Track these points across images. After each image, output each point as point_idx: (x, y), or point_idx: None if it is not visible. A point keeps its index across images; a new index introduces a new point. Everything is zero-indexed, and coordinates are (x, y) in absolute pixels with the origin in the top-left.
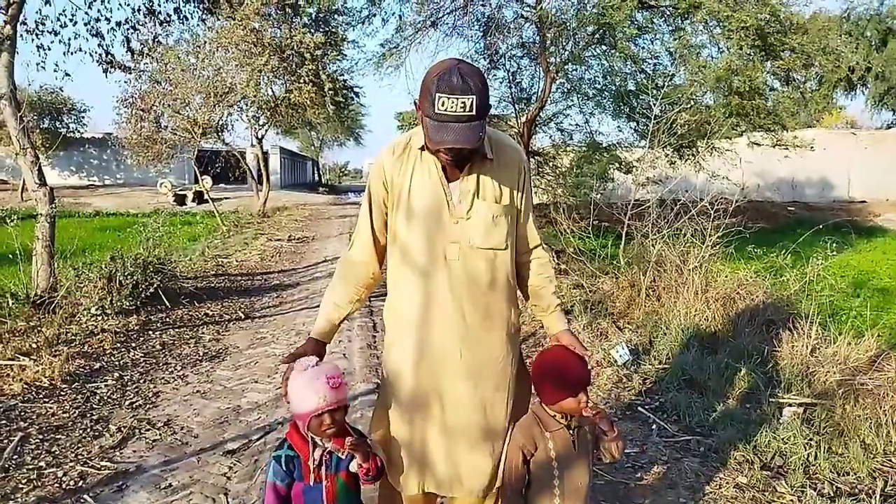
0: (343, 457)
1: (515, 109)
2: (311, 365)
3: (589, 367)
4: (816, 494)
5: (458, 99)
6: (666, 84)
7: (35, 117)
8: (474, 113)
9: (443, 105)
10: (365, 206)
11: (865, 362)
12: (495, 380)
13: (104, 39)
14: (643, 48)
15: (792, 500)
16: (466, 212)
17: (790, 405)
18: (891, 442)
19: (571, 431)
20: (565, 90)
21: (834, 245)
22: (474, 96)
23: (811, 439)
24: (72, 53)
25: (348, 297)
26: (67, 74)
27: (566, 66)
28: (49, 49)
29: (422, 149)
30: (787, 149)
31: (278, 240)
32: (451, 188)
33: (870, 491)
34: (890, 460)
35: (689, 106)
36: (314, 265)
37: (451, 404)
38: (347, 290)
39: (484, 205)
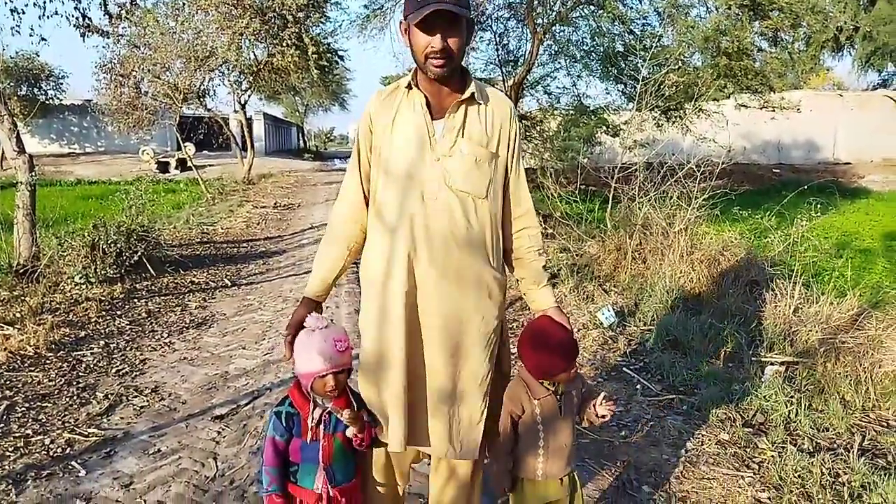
0: (342, 419)
1: (503, 72)
2: (321, 327)
3: (575, 341)
4: (796, 450)
5: None
6: (654, 45)
7: (12, 84)
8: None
9: None
10: (353, 155)
11: (847, 321)
12: (466, 342)
13: (81, 2)
14: (631, 8)
15: (773, 456)
16: (449, 148)
17: (772, 364)
18: (869, 398)
19: (559, 397)
20: (553, 52)
21: (818, 206)
22: None
23: (792, 397)
24: (48, 17)
25: (341, 253)
26: (44, 39)
27: (553, 28)
28: (24, 13)
29: (409, 87)
30: (774, 110)
31: (263, 207)
32: (435, 125)
33: (848, 446)
34: (868, 416)
35: (676, 67)
36: (300, 232)
37: (414, 368)
38: (339, 246)
39: (468, 144)
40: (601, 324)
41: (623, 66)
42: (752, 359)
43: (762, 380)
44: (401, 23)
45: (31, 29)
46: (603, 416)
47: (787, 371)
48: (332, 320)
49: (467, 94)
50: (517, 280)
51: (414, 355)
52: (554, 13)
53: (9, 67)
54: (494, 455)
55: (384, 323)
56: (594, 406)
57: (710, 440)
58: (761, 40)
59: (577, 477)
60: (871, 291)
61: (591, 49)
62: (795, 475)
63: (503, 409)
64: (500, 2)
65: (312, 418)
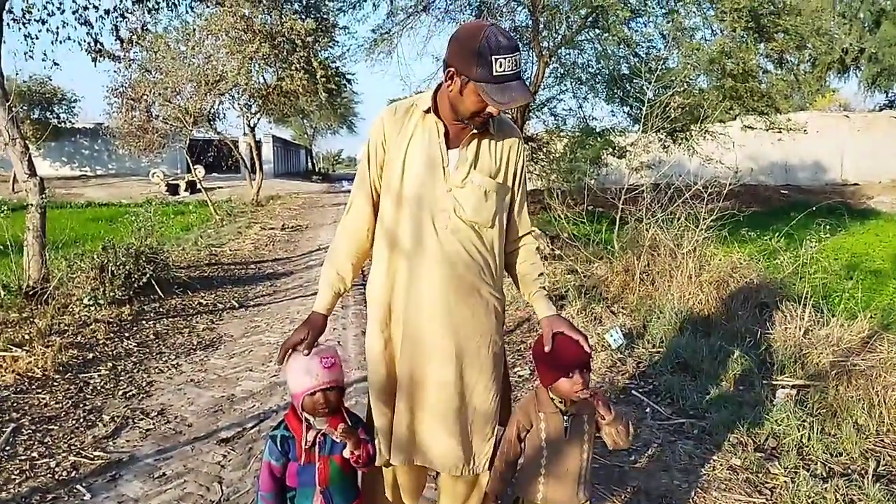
0: (337, 440)
1: None
2: (302, 352)
3: (587, 350)
4: (809, 475)
5: (512, 57)
6: (659, 67)
7: (25, 108)
8: (520, 69)
9: (500, 66)
10: (363, 166)
11: (858, 343)
12: (474, 361)
13: (93, 28)
14: (636, 31)
15: (785, 482)
16: (461, 180)
17: (783, 387)
18: (883, 422)
19: (566, 418)
20: (558, 75)
21: (827, 228)
22: (518, 53)
23: (804, 421)
24: (60, 42)
25: (350, 264)
26: (56, 64)
27: (559, 51)
28: (37, 38)
29: (426, 111)
30: (780, 132)
31: (272, 228)
32: (449, 155)
33: (862, 471)
34: (882, 440)
35: (682, 89)
36: (308, 253)
37: (422, 385)
38: (348, 258)
39: (479, 176)
40: (609, 346)
41: (628, 88)
42: (763, 382)
43: (773, 403)
44: (452, 68)
45: (45, 54)
46: (611, 421)
47: (799, 394)
48: (338, 342)
49: (483, 127)
50: (523, 294)
51: (422, 374)
52: (560, 36)
53: (22, 91)
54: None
55: (391, 343)
56: (597, 412)
57: (721, 465)
58: (767, 62)
59: None
60: (883, 313)
61: (597, 71)
62: (809, 501)
63: (512, 419)
64: (507, 25)
65: (306, 440)
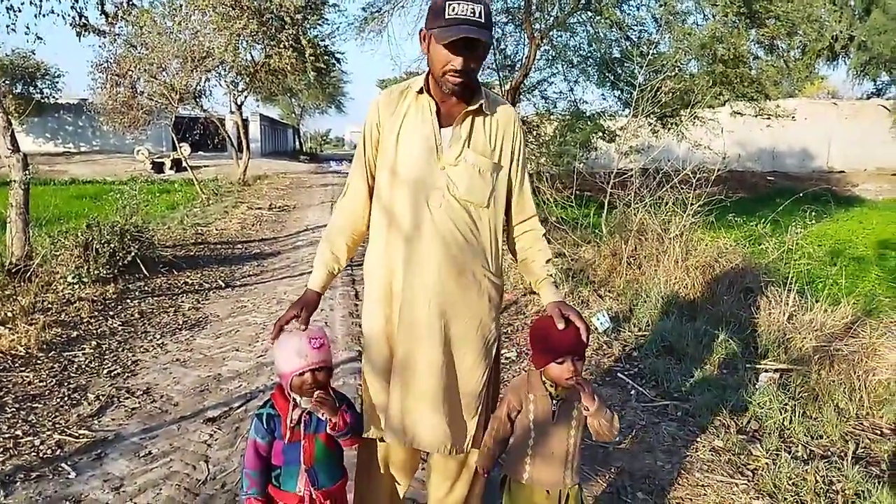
0: (321, 417)
1: (500, 76)
2: (297, 328)
3: (584, 340)
4: (790, 457)
5: (468, 4)
6: (651, 51)
7: (7, 82)
8: (483, 20)
9: (453, 10)
10: (359, 149)
11: (841, 329)
12: (463, 342)
13: (77, 1)
14: (629, 14)
15: (767, 463)
16: (455, 158)
17: (766, 371)
18: (863, 406)
19: (555, 402)
20: (550, 57)
21: (812, 214)
22: (482, 6)
23: (786, 404)
24: (44, 15)
25: (345, 243)
26: (39, 38)
27: (551, 33)
28: (20, 10)
29: (419, 91)
30: (769, 118)
31: (259, 208)
32: (442, 133)
33: (842, 454)
34: (862, 424)
35: (673, 74)
36: (295, 234)
37: (413, 364)
38: (343, 237)
39: (472, 154)
40: (596, 329)
41: (620, 72)
42: (747, 365)
43: (756, 387)
44: (422, 30)
45: (27, 27)
46: (592, 411)
47: (782, 378)
48: (325, 323)
49: (475, 104)
50: (529, 281)
51: (414, 353)
52: (552, 18)
53: (4, 65)
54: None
55: (386, 322)
56: (582, 401)
57: (704, 447)
58: (757, 48)
59: (580, 498)
60: (865, 299)
61: (588, 55)
62: (789, 483)
63: (503, 400)
64: (498, 6)
65: (291, 419)
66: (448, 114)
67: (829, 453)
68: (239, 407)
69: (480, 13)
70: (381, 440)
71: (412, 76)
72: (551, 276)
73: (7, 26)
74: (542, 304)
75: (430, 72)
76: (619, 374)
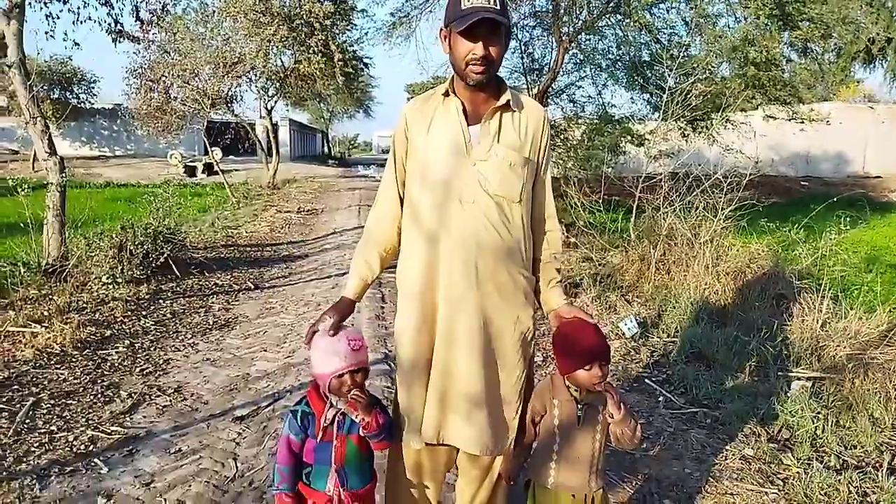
0: (355, 418)
1: (527, 80)
2: (336, 331)
3: (607, 342)
4: (823, 467)
5: None
6: (681, 55)
7: (45, 87)
8: (498, 7)
9: (469, 1)
10: (390, 159)
11: (876, 337)
12: (502, 341)
13: (113, 8)
14: (658, 17)
15: (798, 473)
16: (485, 153)
17: (799, 379)
18: None
19: (580, 406)
20: (578, 61)
21: (847, 220)
22: None
23: (819, 413)
24: (81, 22)
25: (378, 254)
26: (76, 44)
27: (579, 36)
28: (58, 18)
29: (445, 94)
30: (802, 122)
31: (287, 211)
32: (470, 131)
33: (877, 464)
34: None
35: (703, 77)
36: (323, 237)
37: (452, 366)
38: (377, 248)
39: (503, 149)
40: (623, 334)
41: (649, 75)
42: (779, 373)
43: (788, 395)
44: (441, 30)
45: (65, 34)
46: (618, 420)
47: (814, 386)
48: (352, 324)
49: (503, 100)
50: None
51: (450, 356)
52: (580, 22)
53: (42, 71)
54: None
55: (421, 325)
56: (608, 409)
57: (734, 455)
58: (790, 51)
59: (605, 502)
60: None
61: (617, 58)
62: (821, 493)
63: (529, 404)
64: (526, 10)
65: (326, 418)
66: (475, 112)
67: (864, 464)
68: (267, 406)
69: (495, 1)
70: (413, 446)
71: (440, 80)
72: (560, 281)
73: (46, 33)
74: (548, 306)
75: (454, 73)
76: (646, 381)
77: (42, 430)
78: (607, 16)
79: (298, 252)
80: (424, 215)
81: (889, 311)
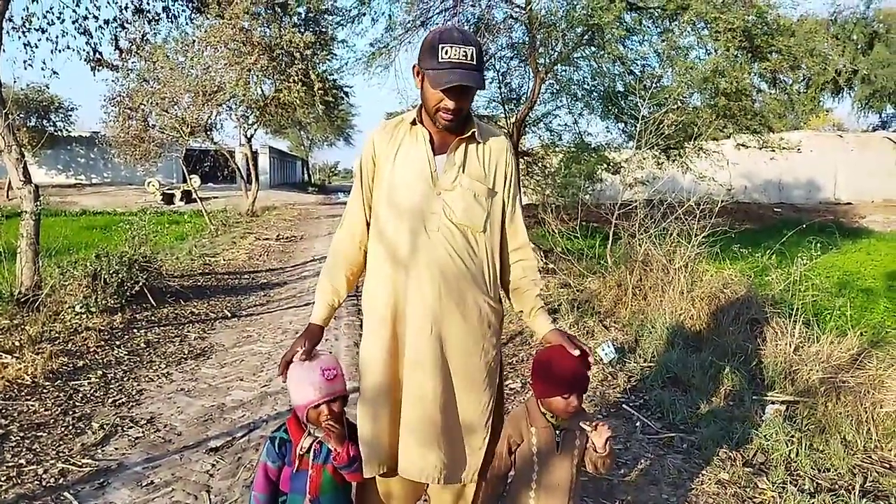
0: (330, 447)
1: (505, 110)
2: (300, 360)
3: (585, 370)
4: (797, 490)
5: (460, 48)
6: (654, 85)
7: (22, 115)
8: (475, 63)
9: (446, 53)
10: (356, 183)
11: (848, 360)
12: (465, 370)
13: (92, 37)
14: (631, 49)
15: (773, 497)
16: (451, 183)
17: (773, 402)
18: (871, 439)
19: (558, 432)
20: (554, 91)
21: (819, 246)
22: (474, 48)
23: (793, 436)
24: (59, 51)
25: (344, 276)
26: (55, 72)
27: (555, 67)
28: (36, 47)
29: (413, 123)
30: (773, 150)
31: (266, 239)
32: (437, 160)
33: (849, 487)
34: (870, 457)
35: (676, 107)
36: (302, 264)
37: (412, 393)
38: (343, 269)
39: (468, 179)
40: (601, 360)
41: (623, 105)
42: (753, 397)
43: (763, 419)
44: (415, 66)
45: (44, 63)
46: (604, 454)
47: (788, 410)
48: (330, 350)
49: (468, 132)
50: (518, 313)
51: (415, 384)
52: (556, 53)
53: (19, 99)
54: (486, 478)
55: (387, 353)
56: (592, 441)
57: (710, 479)
58: (760, 81)
59: None
60: (873, 331)
61: (592, 88)
62: None
63: (502, 433)
64: (504, 42)
65: (302, 447)
66: (442, 142)
67: (837, 486)
68: (242, 437)
69: (472, 56)
70: (381, 474)
71: None
72: (544, 307)
73: (24, 62)
74: (537, 333)
75: (425, 109)
76: (624, 406)
77: (10, 464)
78: (582, 48)
79: (277, 279)
80: (390, 241)
81: (860, 335)
